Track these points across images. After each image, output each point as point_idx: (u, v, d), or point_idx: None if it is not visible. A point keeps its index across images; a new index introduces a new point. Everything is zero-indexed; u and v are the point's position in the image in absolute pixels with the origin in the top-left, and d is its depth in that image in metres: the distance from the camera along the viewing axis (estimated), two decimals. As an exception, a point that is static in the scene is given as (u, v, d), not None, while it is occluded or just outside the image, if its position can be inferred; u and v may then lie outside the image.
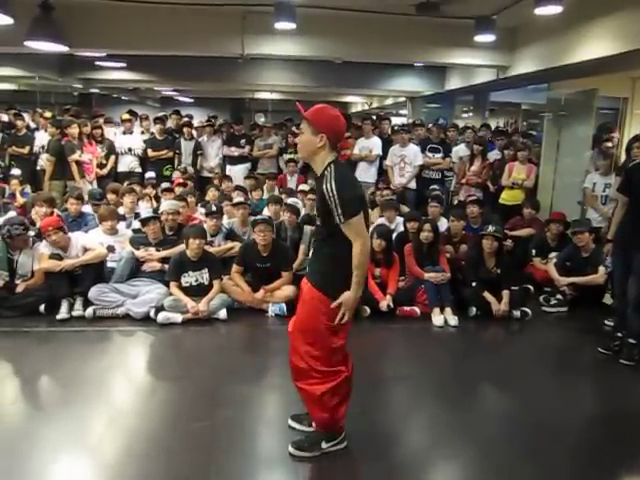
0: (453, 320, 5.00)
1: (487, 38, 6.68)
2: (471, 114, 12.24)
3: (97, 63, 10.34)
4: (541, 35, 6.97)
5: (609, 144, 6.53)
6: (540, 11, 5.58)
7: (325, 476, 2.86)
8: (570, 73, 7.24)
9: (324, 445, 2.96)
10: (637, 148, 5.24)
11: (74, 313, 4.80)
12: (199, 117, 12.69)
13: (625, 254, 4.31)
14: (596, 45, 5.97)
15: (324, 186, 2.61)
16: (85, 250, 5.02)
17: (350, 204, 2.59)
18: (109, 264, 5.20)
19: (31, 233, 5.07)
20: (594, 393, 4.19)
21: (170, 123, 9.14)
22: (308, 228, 5.94)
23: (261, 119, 17.53)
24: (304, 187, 7.30)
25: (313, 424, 3.06)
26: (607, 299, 5.43)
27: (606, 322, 5.06)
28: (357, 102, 18.35)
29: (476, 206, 6.37)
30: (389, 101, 15.09)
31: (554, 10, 5.54)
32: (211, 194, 6.94)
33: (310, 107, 2.73)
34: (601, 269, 5.46)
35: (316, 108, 2.72)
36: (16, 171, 7.58)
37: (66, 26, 6.45)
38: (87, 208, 6.18)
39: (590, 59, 6.11)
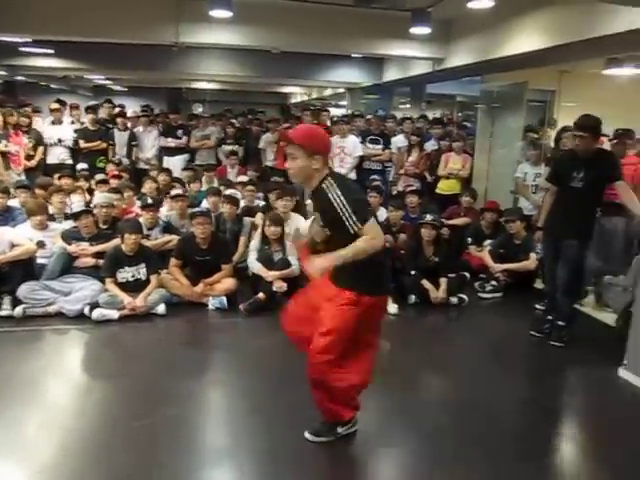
0: (393, 308, 5.07)
1: (423, 30, 6.79)
2: (408, 105, 12.42)
3: (22, 49, 9.80)
4: (475, 28, 7.16)
5: (535, 135, 6.80)
6: (473, 5, 5.73)
7: (267, 470, 2.85)
8: (502, 66, 7.47)
9: (340, 430, 2.99)
10: (566, 139, 5.46)
11: (2, 313, 4.56)
12: (133, 107, 12.32)
13: (554, 241, 4.50)
14: (526, 39, 6.18)
15: (330, 195, 2.58)
16: (13, 246, 4.77)
17: (361, 210, 2.58)
18: (39, 260, 4.97)
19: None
20: (528, 374, 4.37)
21: (102, 113, 8.80)
22: (248, 220, 5.90)
23: (199, 109, 17.22)
24: (243, 178, 7.23)
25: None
26: (538, 284, 5.67)
27: (537, 306, 5.28)
28: (297, 93, 18.30)
29: (415, 196, 6.52)
30: (328, 92, 15.14)
31: (486, 4, 5.69)
32: (147, 186, 6.75)
33: (290, 128, 2.75)
34: (532, 255, 5.70)
35: (305, 132, 2.73)
36: None
37: (-14, 9, 6.10)
38: (14, 202, 5.88)
39: (520, 53, 6.33)
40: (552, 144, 6.71)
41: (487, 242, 6.20)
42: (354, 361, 2.86)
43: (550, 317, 4.65)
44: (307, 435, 3.00)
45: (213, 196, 6.03)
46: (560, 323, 4.51)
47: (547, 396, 3.83)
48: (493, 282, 5.78)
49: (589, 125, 4.20)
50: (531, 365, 4.50)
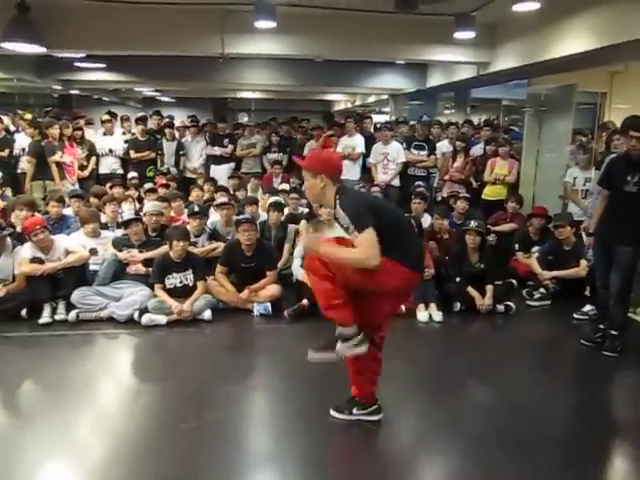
0: (437, 316, 5.02)
1: (467, 35, 6.71)
2: (453, 110, 12.29)
3: (76, 64, 10.21)
4: (520, 31, 7.02)
5: (583, 138, 6.61)
6: (518, 7, 5.62)
7: (311, 475, 2.86)
8: (549, 69, 7.30)
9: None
10: (617, 140, 5.27)
11: (57, 317, 4.74)
12: (181, 117, 12.61)
13: (607, 247, 4.36)
14: (574, 41, 6.03)
15: (339, 210, 2.85)
16: (67, 253, 4.97)
17: (358, 218, 2.77)
18: (92, 267, 5.16)
19: (5, 233, 4.97)
20: (578, 385, 4.23)
21: (151, 124, 9.07)
22: (292, 227, 5.94)
23: (244, 118, 17.50)
24: (285, 186, 7.30)
25: (354, 410, 3.22)
26: (589, 292, 5.50)
27: (575, 316, 5.14)
28: (340, 100, 18.35)
29: (465, 202, 6.45)
30: (372, 99, 15.12)
31: (531, 6, 5.58)
32: (195, 195, 6.91)
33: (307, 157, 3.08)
34: (583, 262, 5.53)
35: (310, 156, 3.12)
36: (-4, 173, 7.48)
37: (43, 27, 6.37)
38: (68, 211, 6.11)
39: (568, 55, 6.17)
40: (603, 147, 6.52)
41: (535, 248, 6.06)
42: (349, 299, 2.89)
43: (602, 326, 4.50)
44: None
45: (251, 205, 6.14)
46: (613, 332, 4.36)
47: (596, 407, 3.70)
48: (541, 289, 5.64)
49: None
50: (581, 375, 4.36)
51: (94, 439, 3.11)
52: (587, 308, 5.16)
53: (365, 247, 2.72)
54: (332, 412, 3.25)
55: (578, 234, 5.67)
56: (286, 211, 6.52)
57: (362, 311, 2.93)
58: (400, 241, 2.88)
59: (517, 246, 6.22)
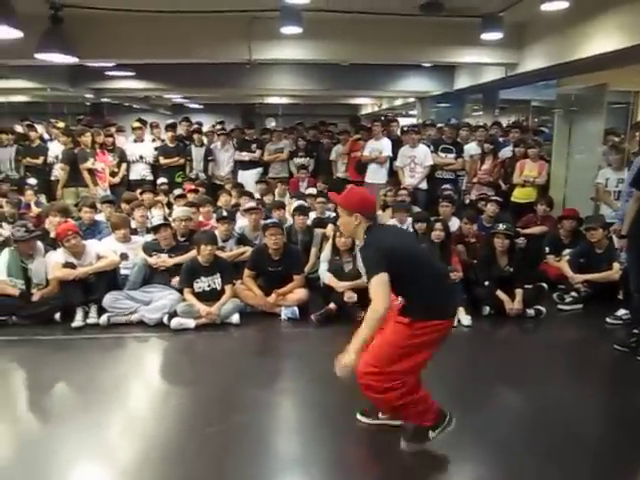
0: (466, 320, 4.97)
1: (494, 36, 6.64)
2: (481, 112, 12.16)
3: (107, 73, 10.44)
4: (549, 31, 6.92)
5: (615, 138, 6.46)
6: (546, 7, 5.55)
7: (339, 478, 2.86)
8: (579, 68, 7.17)
9: (432, 434, 2.99)
10: None
11: (89, 321, 4.85)
12: (209, 123, 12.77)
13: None
14: (604, 40, 5.91)
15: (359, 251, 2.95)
16: (99, 258, 5.07)
17: (370, 264, 2.78)
18: (122, 271, 5.26)
19: (33, 235, 5.04)
20: (612, 391, 4.13)
21: (180, 130, 9.20)
22: (319, 231, 5.96)
23: (272, 123, 17.63)
24: (312, 191, 7.32)
25: (380, 414, 3.19)
26: (622, 296, 5.37)
27: (608, 320, 5.03)
28: (367, 104, 18.35)
29: (495, 205, 6.38)
30: (398, 102, 15.06)
31: (560, 6, 5.50)
32: (223, 200, 6.97)
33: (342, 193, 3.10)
34: (616, 265, 5.41)
35: (345, 194, 3.08)
36: (32, 180, 7.68)
37: (75, 38, 6.53)
38: (100, 216, 6.25)
39: (598, 54, 6.06)
40: (636, 148, 6.38)
41: (566, 251, 5.95)
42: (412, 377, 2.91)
43: (637, 330, 4.40)
44: (402, 444, 3.02)
45: (277, 210, 6.20)
46: (647, 337, 4.26)
47: (630, 414, 3.60)
48: (573, 293, 5.53)
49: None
50: (614, 380, 4.27)
51: (124, 441, 3.17)
52: (621, 312, 5.04)
53: (377, 296, 2.69)
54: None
55: (609, 236, 5.56)
56: (313, 215, 6.54)
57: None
58: (426, 284, 2.84)
59: (547, 249, 6.12)
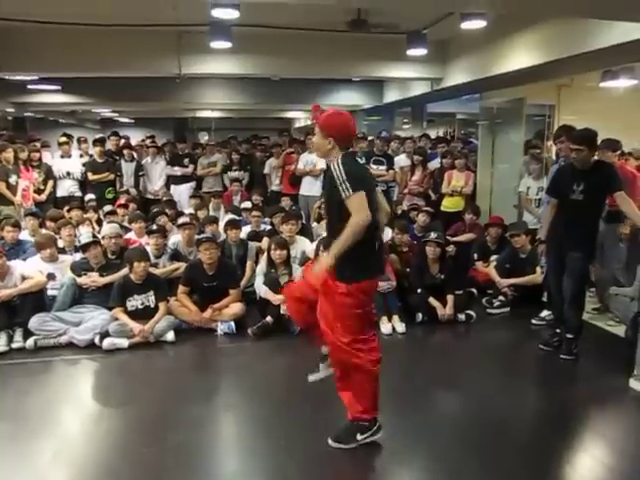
0: (401, 327, 5.09)
1: (419, 52, 6.90)
2: (410, 125, 12.54)
3: (30, 87, 10.05)
4: (471, 47, 7.27)
5: (537, 150, 6.82)
6: (466, 25, 5.82)
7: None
8: (500, 83, 7.55)
9: (359, 437, 3.10)
10: (560, 143, 5.35)
11: (14, 345, 4.62)
12: (140, 137, 12.51)
13: (558, 253, 4.51)
14: (522, 56, 6.27)
15: (332, 167, 2.89)
16: (23, 279, 4.86)
17: (354, 181, 2.82)
18: (50, 292, 5.06)
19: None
20: (538, 388, 4.35)
21: (109, 145, 8.98)
22: (253, 244, 5.96)
23: (205, 137, 17.47)
24: (247, 204, 7.31)
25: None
26: (546, 297, 5.66)
27: (533, 321, 5.30)
28: (300, 117, 18.50)
29: (426, 215, 6.58)
30: (331, 115, 15.27)
31: (479, 25, 5.79)
32: (163, 220, 6.73)
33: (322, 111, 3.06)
34: (538, 269, 5.70)
35: (327, 114, 3.02)
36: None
37: (-6, 50, 6.30)
38: (24, 235, 5.99)
39: (517, 69, 6.41)
40: (554, 157, 6.74)
41: (493, 257, 6.21)
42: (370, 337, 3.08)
43: (558, 330, 4.64)
44: (330, 442, 3.11)
45: (211, 224, 6.17)
46: (569, 336, 4.49)
47: (557, 410, 3.81)
48: (500, 297, 5.78)
49: (585, 139, 4.25)
50: (540, 379, 4.49)
51: (55, 468, 3.04)
52: (544, 313, 5.31)
53: (360, 209, 2.79)
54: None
55: (535, 242, 5.84)
56: (248, 228, 6.53)
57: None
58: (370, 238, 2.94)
59: (476, 256, 6.37)
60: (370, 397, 3.11)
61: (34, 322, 4.70)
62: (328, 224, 3.16)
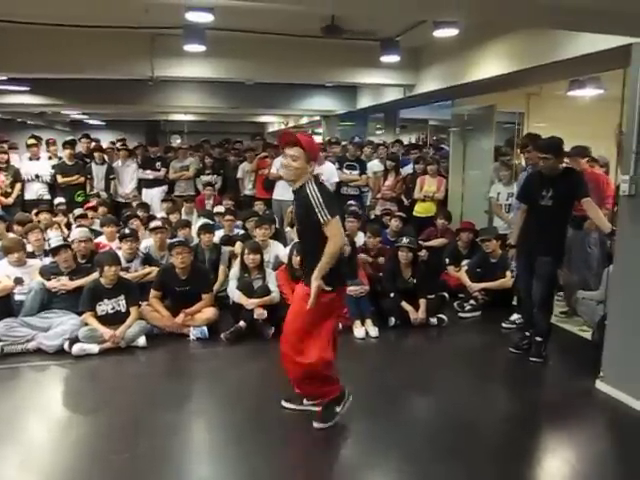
0: (374, 331, 5.12)
1: (392, 59, 6.97)
2: (383, 131, 12.65)
3: (-4, 87, 9.83)
4: (443, 55, 7.37)
5: (507, 157, 6.95)
6: (438, 34, 5.90)
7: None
8: (471, 90, 7.68)
9: (338, 409, 3.36)
10: (527, 152, 5.49)
11: (-21, 351, 4.51)
12: (110, 140, 12.33)
13: (528, 258, 4.59)
14: (493, 64, 6.39)
15: (309, 191, 3.08)
16: (-11, 284, 4.75)
17: (330, 207, 3.07)
18: (17, 297, 4.93)
19: None
20: (508, 391, 4.41)
21: (80, 147, 8.83)
22: (226, 249, 5.94)
23: (177, 141, 17.30)
24: (220, 208, 7.28)
25: (304, 400, 3.52)
26: (516, 301, 5.76)
27: (503, 325, 5.40)
28: (273, 122, 18.49)
29: (399, 220, 6.64)
30: (304, 120, 15.32)
31: (451, 33, 5.88)
32: (136, 223, 6.64)
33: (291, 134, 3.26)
34: (509, 273, 5.80)
35: (308, 139, 3.26)
36: None
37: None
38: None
39: (487, 77, 6.53)
40: (523, 163, 6.87)
41: (464, 262, 6.30)
42: (313, 342, 3.25)
43: (528, 333, 4.73)
44: (315, 424, 3.33)
45: (183, 228, 6.12)
46: (538, 339, 4.58)
47: (527, 411, 3.88)
48: (472, 301, 5.86)
49: (551, 147, 4.36)
50: (511, 381, 4.55)
51: (22, 476, 2.97)
52: (514, 317, 5.40)
53: (337, 234, 3.08)
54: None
55: (505, 247, 5.94)
56: (221, 233, 6.50)
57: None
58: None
59: (447, 260, 6.45)
60: (332, 380, 3.36)
61: (0, 328, 4.58)
62: (302, 242, 3.44)
